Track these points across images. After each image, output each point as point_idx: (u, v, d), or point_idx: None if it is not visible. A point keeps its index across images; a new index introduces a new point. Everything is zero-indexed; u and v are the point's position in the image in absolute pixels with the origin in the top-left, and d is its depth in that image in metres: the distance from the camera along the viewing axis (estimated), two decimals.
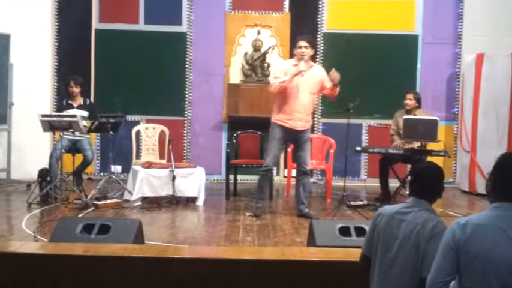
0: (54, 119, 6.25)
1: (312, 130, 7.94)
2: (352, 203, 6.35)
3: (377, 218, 2.76)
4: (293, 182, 7.18)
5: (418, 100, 6.72)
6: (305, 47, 5.75)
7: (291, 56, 7.45)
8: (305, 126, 5.84)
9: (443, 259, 2.27)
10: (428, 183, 2.73)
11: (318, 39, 8.04)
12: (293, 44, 6.26)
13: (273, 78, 5.86)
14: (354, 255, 2.91)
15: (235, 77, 8.05)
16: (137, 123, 7.84)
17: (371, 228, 2.80)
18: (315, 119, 8.07)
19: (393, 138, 6.78)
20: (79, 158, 6.69)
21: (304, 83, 5.73)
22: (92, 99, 7.66)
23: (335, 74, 5.71)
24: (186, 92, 8.09)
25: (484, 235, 2.21)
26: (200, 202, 6.41)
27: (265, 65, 7.90)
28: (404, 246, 2.61)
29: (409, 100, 6.65)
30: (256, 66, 7.93)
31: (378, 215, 2.78)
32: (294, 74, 5.66)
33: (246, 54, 8.01)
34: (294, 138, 5.91)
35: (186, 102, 8.09)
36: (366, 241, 2.83)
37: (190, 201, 6.44)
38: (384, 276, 2.67)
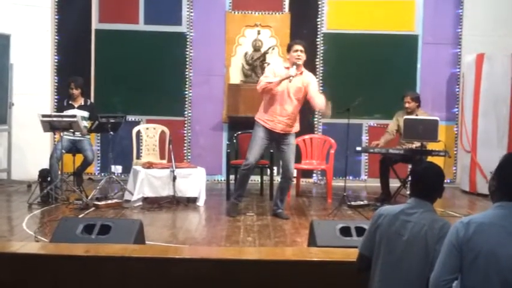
0: (54, 119, 6.25)
1: (312, 130, 7.97)
2: (352, 203, 6.35)
3: (378, 218, 2.73)
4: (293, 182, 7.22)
5: (417, 100, 6.73)
6: (301, 51, 5.73)
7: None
8: (286, 130, 5.79)
9: (447, 257, 2.27)
10: (430, 184, 2.71)
11: (318, 40, 8.05)
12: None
13: (263, 77, 5.84)
14: (354, 255, 2.90)
15: (236, 77, 8.05)
16: (137, 123, 7.84)
17: (371, 229, 2.76)
18: (315, 120, 8.08)
19: (385, 136, 6.76)
20: (79, 158, 6.69)
21: (291, 88, 5.71)
22: (92, 100, 7.66)
23: (328, 110, 5.91)
24: (186, 92, 8.09)
25: (487, 233, 2.22)
26: (201, 202, 6.41)
27: (265, 65, 7.90)
28: (411, 247, 2.59)
29: (408, 103, 6.66)
30: (256, 66, 7.92)
31: (379, 215, 2.75)
32: (283, 77, 5.65)
33: (246, 54, 8.01)
34: (275, 140, 5.88)
35: (186, 103, 8.09)
36: (366, 241, 2.80)
37: (190, 202, 6.44)
38: (387, 277, 2.65)
